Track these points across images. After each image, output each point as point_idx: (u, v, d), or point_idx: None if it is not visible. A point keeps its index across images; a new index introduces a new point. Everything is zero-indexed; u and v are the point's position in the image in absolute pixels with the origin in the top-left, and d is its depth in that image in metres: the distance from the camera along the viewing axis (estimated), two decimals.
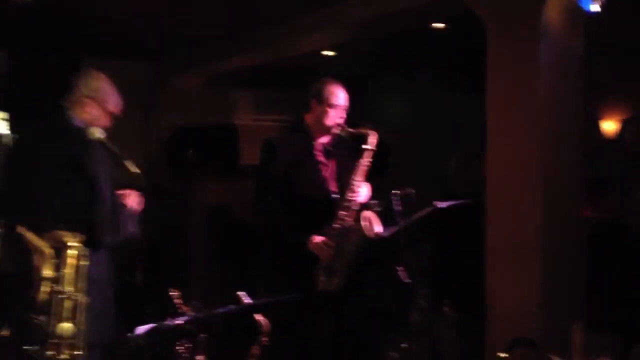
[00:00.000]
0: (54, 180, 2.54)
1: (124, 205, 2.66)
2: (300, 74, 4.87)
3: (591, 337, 2.12)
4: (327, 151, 3.31)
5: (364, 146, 3.19)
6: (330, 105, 3.23)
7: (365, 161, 3.19)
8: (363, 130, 3.22)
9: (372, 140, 3.20)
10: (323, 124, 3.25)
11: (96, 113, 2.78)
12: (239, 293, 2.52)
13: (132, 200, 2.73)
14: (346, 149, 3.37)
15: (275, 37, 5.72)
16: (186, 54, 6.61)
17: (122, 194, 2.72)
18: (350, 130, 3.25)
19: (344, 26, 5.28)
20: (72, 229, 2.31)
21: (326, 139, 3.31)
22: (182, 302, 2.47)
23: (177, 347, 2.46)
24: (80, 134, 2.67)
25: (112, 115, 2.86)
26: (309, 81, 3.38)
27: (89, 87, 2.79)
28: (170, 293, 2.48)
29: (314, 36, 5.52)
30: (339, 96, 3.26)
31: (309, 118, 3.30)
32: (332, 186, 3.28)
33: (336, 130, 3.27)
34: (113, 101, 2.86)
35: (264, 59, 6.29)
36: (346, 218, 3.14)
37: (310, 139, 3.27)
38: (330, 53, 6.55)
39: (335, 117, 3.24)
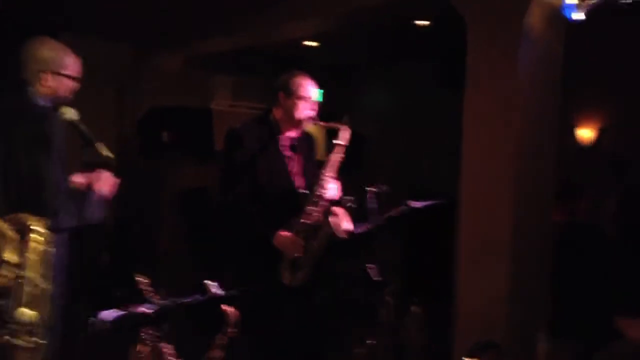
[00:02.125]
0: (6, 161, 2.40)
1: (91, 189, 2.51)
2: (282, 62, 4.83)
3: (555, 343, 2.14)
4: (293, 146, 3.21)
5: (335, 141, 3.09)
6: (300, 98, 3.10)
7: (337, 156, 3.10)
8: (336, 125, 3.12)
9: (344, 135, 3.10)
10: (293, 117, 3.13)
11: (55, 84, 2.58)
12: (206, 282, 2.49)
13: (104, 183, 2.57)
14: (311, 145, 3.29)
15: (257, 22, 5.66)
16: (165, 35, 6.51)
17: (91, 177, 2.57)
18: (323, 123, 3.14)
19: (328, 16, 5.25)
20: (28, 211, 2.24)
21: (293, 133, 3.21)
22: (149, 288, 2.43)
23: (142, 334, 2.44)
24: (33, 112, 2.52)
25: (73, 80, 2.64)
26: (289, 70, 3.30)
27: (39, 60, 2.57)
28: (138, 279, 2.44)
29: (297, 24, 5.48)
30: (308, 88, 3.13)
31: (277, 112, 3.17)
32: (298, 181, 3.19)
33: (308, 124, 3.17)
34: (69, 63, 2.63)
35: (244, 44, 6.22)
36: (314, 213, 3.07)
37: (276, 131, 3.16)
38: (314, 43, 6.51)
39: (306, 109, 3.13)
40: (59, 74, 2.59)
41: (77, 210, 2.40)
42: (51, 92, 2.58)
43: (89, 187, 2.52)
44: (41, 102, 2.58)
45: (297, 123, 3.17)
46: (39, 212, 2.27)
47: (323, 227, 3.06)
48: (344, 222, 3.06)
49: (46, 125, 2.40)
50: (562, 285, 3.60)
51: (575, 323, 3.38)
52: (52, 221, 2.30)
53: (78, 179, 2.58)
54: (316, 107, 3.16)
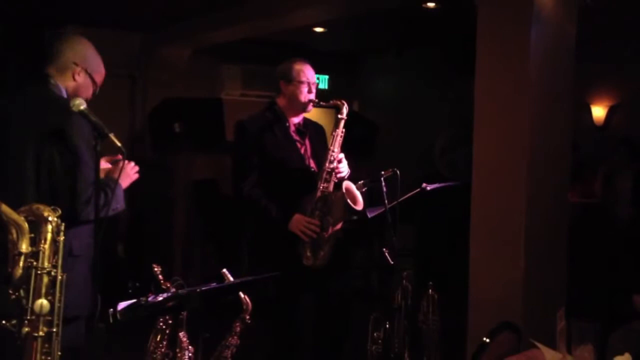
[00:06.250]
0: (31, 152, 2.41)
1: (115, 180, 2.50)
2: (290, 50, 4.81)
3: (572, 323, 2.13)
4: (300, 131, 3.32)
5: (338, 116, 3.19)
6: (301, 82, 3.22)
7: (340, 131, 3.19)
8: (335, 102, 3.21)
9: (344, 110, 3.20)
10: (297, 101, 3.24)
11: (82, 81, 2.62)
12: (223, 271, 2.50)
13: (128, 175, 2.57)
14: (319, 131, 3.40)
15: (265, 10, 5.64)
16: (174, 25, 6.51)
17: (112, 168, 2.58)
18: (323, 103, 3.25)
19: (335, 2, 5.22)
20: (50, 203, 2.25)
21: (298, 119, 3.33)
22: (164, 277, 2.44)
23: (159, 323, 2.45)
24: (61, 104, 2.51)
25: (96, 86, 2.69)
26: (298, 57, 3.34)
27: (77, 53, 2.60)
28: (153, 268, 2.45)
29: (305, 11, 5.46)
30: (307, 72, 3.26)
31: (280, 100, 3.29)
32: (311, 163, 3.28)
33: (310, 106, 3.27)
34: (100, 71, 2.69)
35: (253, 33, 6.22)
36: (326, 189, 3.14)
37: (282, 118, 3.26)
38: (320, 29, 6.49)
39: (307, 92, 3.24)
40: (91, 76, 2.64)
41: (105, 201, 2.43)
42: (75, 87, 2.61)
43: (111, 178, 2.52)
44: (64, 94, 2.59)
45: (300, 107, 3.28)
46: (71, 203, 2.34)
47: (337, 200, 3.09)
48: (356, 193, 3.10)
49: (74, 118, 2.39)
50: (578, 265, 3.59)
51: (593, 303, 3.37)
52: (83, 212, 2.37)
53: (104, 168, 2.59)
54: (315, 89, 3.26)
